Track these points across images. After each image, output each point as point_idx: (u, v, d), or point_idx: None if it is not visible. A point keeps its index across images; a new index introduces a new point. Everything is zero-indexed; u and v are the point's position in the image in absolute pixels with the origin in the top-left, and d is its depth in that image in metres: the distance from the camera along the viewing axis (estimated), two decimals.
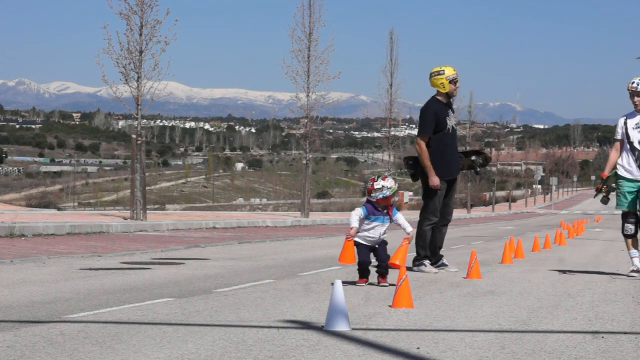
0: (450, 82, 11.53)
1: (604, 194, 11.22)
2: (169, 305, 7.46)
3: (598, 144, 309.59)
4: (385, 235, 9.56)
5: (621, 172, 10.96)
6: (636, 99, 10.87)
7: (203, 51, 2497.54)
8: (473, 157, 11.92)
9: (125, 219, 24.11)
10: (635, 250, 11.14)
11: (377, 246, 9.47)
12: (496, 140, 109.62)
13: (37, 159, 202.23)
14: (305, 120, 36.39)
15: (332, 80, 35.91)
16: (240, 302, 7.75)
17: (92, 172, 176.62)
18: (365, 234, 9.45)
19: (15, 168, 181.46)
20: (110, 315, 6.83)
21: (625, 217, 11.02)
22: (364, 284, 9.50)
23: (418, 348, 5.55)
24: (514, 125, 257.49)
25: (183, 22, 25.62)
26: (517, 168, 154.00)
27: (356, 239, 9.43)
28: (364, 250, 9.46)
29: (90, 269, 10.90)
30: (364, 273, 9.55)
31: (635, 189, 10.86)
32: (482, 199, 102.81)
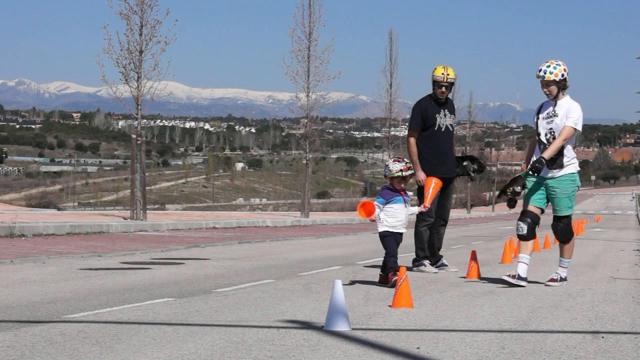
0: (433, 82, 11.49)
1: (510, 196, 9.78)
2: (169, 305, 7.45)
3: (598, 144, 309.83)
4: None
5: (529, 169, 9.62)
6: (545, 89, 9.55)
7: (203, 51, 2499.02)
8: (465, 163, 11.86)
9: (125, 219, 24.11)
10: (526, 256, 9.58)
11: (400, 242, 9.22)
12: (496, 140, 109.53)
13: (37, 159, 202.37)
14: (305, 120, 36.39)
15: (332, 80, 35.90)
16: (240, 302, 7.75)
17: (92, 172, 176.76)
18: (391, 220, 9.14)
19: (15, 168, 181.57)
20: (110, 315, 6.83)
21: (521, 214, 9.67)
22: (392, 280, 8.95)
23: (418, 348, 5.55)
24: (514, 125, 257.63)
25: (183, 22, 25.63)
26: (517, 168, 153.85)
27: (385, 228, 9.16)
28: (391, 241, 9.17)
29: (90, 269, 10.90)
30: (395, 267, 9.08)
31: (542, 187, 9.58)
32: (482, 199, 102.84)
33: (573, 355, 5.43)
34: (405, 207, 9.24)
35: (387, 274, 9.28)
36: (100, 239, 17.31)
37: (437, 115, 11.46)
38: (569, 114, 9.49)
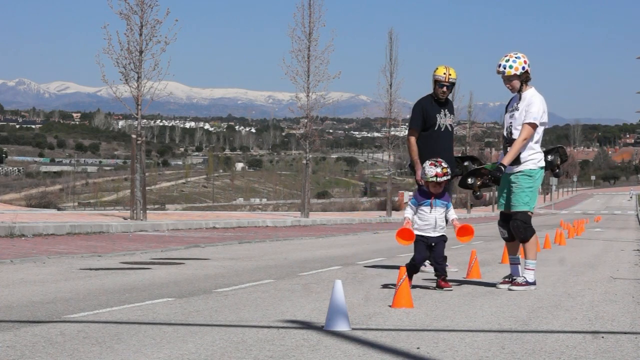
0: (435, 82, 11.45)
1: (471, 188, 9.80)
2: (169, 305, 7.45)
3: (598, 144, 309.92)
4: (443, 229, 9.01)
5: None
6: (507, 85, 9.31)
7: (203, 51, 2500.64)
8: (466, 163, 11.82)
9: (125, 219, 24.11)
10: (516, 256, 9.51)
11: (433, 244, 8.96)
12: (496, 140, 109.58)
13: (37, 159, 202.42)
14: (305, 120, 36.40)
15: (332, 80, 35.92)
16: (240, 302, 7.75)
17: (92, 172, 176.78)
18: (419, 222, 8.91)
19: (15, 168, 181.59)
20: (110, 315, 6.83)
21: (500, 217, 9.56)
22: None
23: (418, 348, 5.55)
24: None
25: (183, 22, 25.68)
26: None
27: (415, 231, 8.85)
28: (420, 247, 8.93)
29: (90, 269, 10.90)
30: (413, 272, 9.01)
31: (507, 184, 9.39)
32: (482, 199, 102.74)
33: (573, 355, 5.43)
34: (436, 209, 8.93)
35: (439, 277, 9.14)
36: (100, 239, 17.31)
37: (437, 115, 11.45)
38: (528, 108, 9.19)
